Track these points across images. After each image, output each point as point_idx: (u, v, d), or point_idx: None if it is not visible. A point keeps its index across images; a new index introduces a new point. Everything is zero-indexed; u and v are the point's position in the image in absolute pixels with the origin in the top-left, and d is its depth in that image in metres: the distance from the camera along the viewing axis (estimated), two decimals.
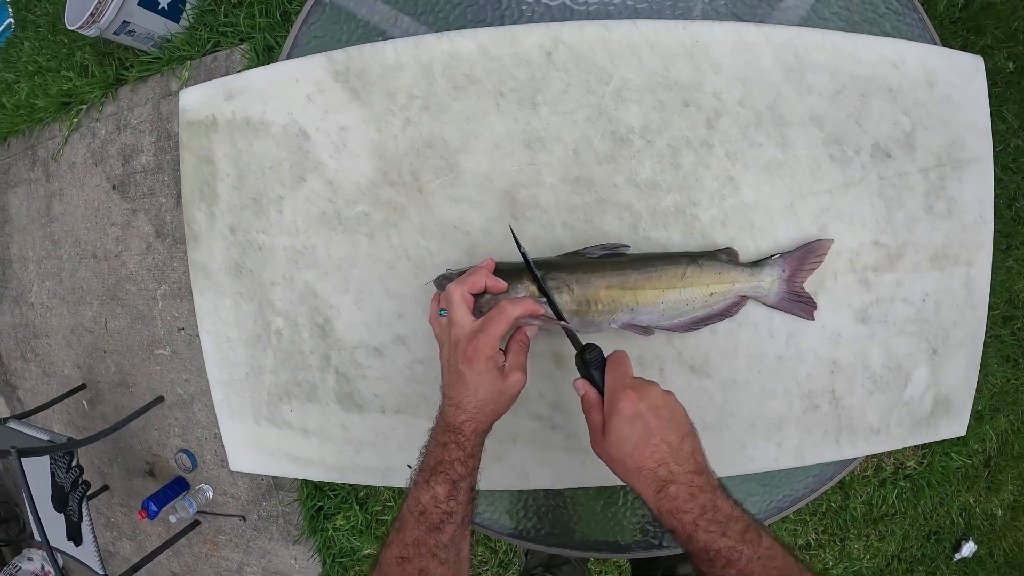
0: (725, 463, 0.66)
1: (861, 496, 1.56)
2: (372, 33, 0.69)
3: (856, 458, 0.70)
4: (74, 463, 1.33)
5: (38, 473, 1.29)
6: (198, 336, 0.72)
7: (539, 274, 0.54)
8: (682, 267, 0.57)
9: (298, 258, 0.67)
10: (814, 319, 0.63)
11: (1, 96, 2.00)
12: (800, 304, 0.62)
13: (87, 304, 1.83)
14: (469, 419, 0.49)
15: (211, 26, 1.54)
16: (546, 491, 0.70)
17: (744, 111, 0.62)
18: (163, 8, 1.52)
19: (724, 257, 0.60)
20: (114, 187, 1.73)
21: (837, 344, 0.65)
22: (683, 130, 0.61)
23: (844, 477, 1.52)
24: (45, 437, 1.34)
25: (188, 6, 1.57)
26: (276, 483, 1.60)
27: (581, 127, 0.61)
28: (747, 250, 0.62)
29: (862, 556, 1.59)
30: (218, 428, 0.73)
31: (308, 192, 0.66)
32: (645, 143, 0.61)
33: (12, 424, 1.40)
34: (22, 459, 1.20)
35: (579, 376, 0.52)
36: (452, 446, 0.49)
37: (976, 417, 1.59)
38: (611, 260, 0.58)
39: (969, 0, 1.53)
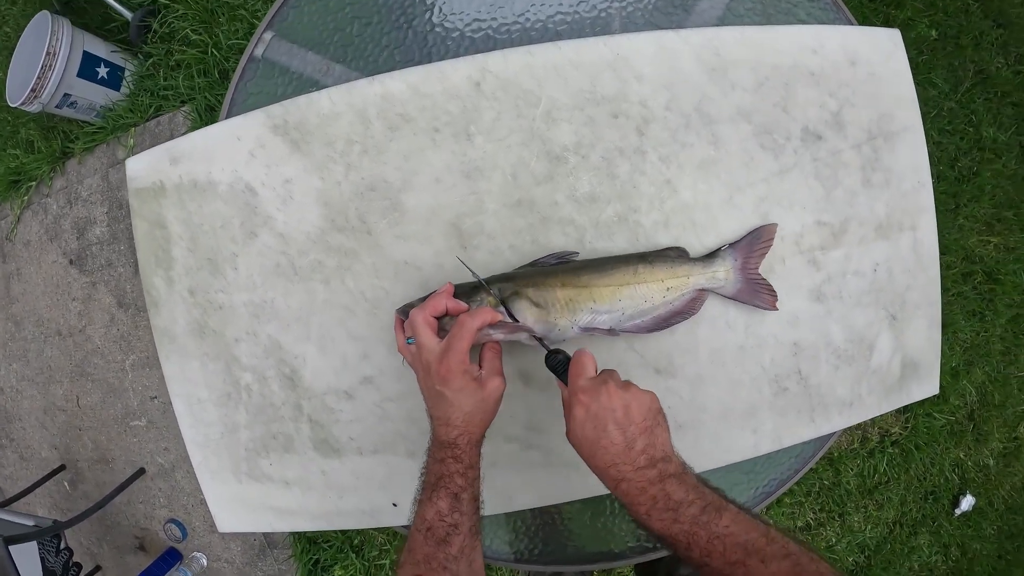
0: (704, 458, 0.67)
1: (852, 470, 1.59)
2: (306, 84, 0.70)
3: (834, 432, 0.71)
4: (63, 546, 1.29)
5: (27, 561, 1.24)
6: (172, 402, 0.72)
7: (482, 278, 0.56)
8: (632, 264, 0.59)
9: (259, 312, 0.67)
10: (777, 309, 0.63)
11: None
12: (760, 293, 0.63)
13: (57, 383, 1.79)
14: (461, 433, 0.50)
15: (151, 91, 1.55)
16: (533, 511, 0.70)
17: (672, 115, 0.64)
18: (102, 77, 1.51)
19: (673, 253, 0.62)
20: (71, 261, 1.71)
21: (796, 326, 0.66)
22: (615, 141, 0.63)
23: (832, 454, 1.56)
24: (30, 522, 1.29)
25: (127, 73, 1.57)
26: (269, 541, 1.57)
27: (516, 151, 0.63)
28: (693, 248, 0.64)
29: (863, 527, 1.61)
30: (203, 493, 0.72)
31: (260, 246, 0.66)
32: (580, 159, 0.63)
33: None
34: (9, 547, 1.16)
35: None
36: (450, 460, 0.50)
37: (952, 374, 1.63)
38: (565, 264, 0.60)
39: None
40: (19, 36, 1.49)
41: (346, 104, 0.63)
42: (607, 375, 0.50)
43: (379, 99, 0.63)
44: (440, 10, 0.69)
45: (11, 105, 1.46)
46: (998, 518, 1.73)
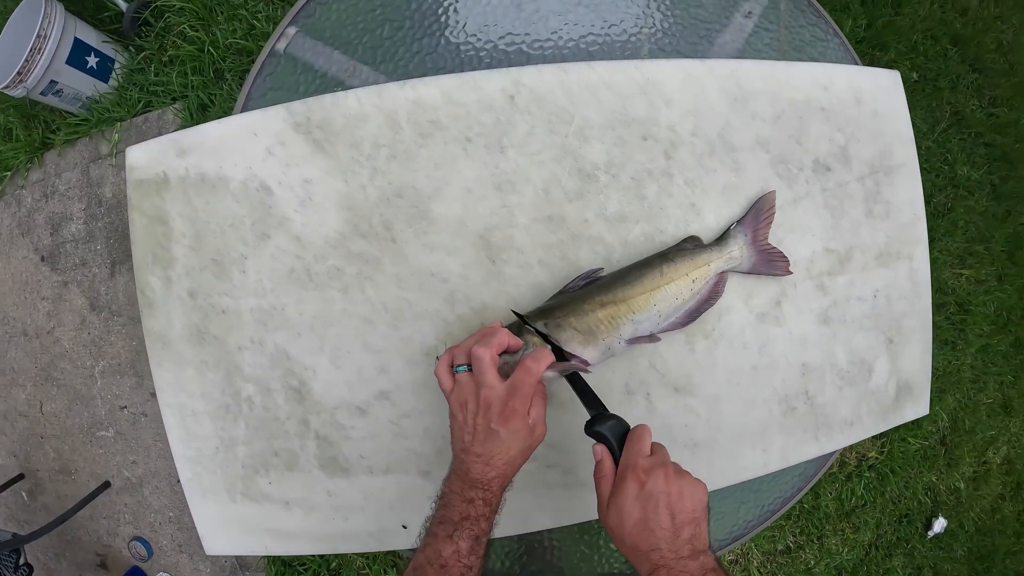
0: (718, 476, 0.68)
1: (831, 493, 1.63)
2: (330, 84, 0.68)
3: (835, 451, 0.73)
4: (22, 561, 1.20)
5: None
6: (144, 415, 0.67)
7: (524, 316, 0.55)
8: (657, 266, 0.60)
9: (267, 320, 0.64)
10: (791, 272, 0.66)
11: None
12: (774, 262, 0.65)
13: (19, 387, 1.68)
14: (498, 475, 0.50)
15: (141, 86, 1.49)
16: (520, 536, 0.68)
17: (698, 140, 0.65)
18: (91, 67, 1.46)
19: (690, 245, 0.63)
20: (43, 259, 1.62)
21: (805, 347, 0.69)
22: (644, 163, 0.64)
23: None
24: None
25: (117, 65, 1.51)
26: (241, 563, 1.49)
27: (548, 167, 0.62)
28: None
29: (841, 550, 1.64)
30: (173, 511, 0.68)
31: (274, 249, 0.63)
32: (611, 178, 0.63)
33: None
34: None
35: (594, 440, 0.52)
36: (479, 502, 0.49)
37: None
38: (594, 285, 0.59)
39: (872, 20, 1.69)
40: (8, 16, 1.42)
41: (375, 106, 0.62)
42: (665, 456, 0.49)
43: (411, 104, 0.61)
44: (475, 21, 0.68)
45: None
46: (968, 540, 1.79)
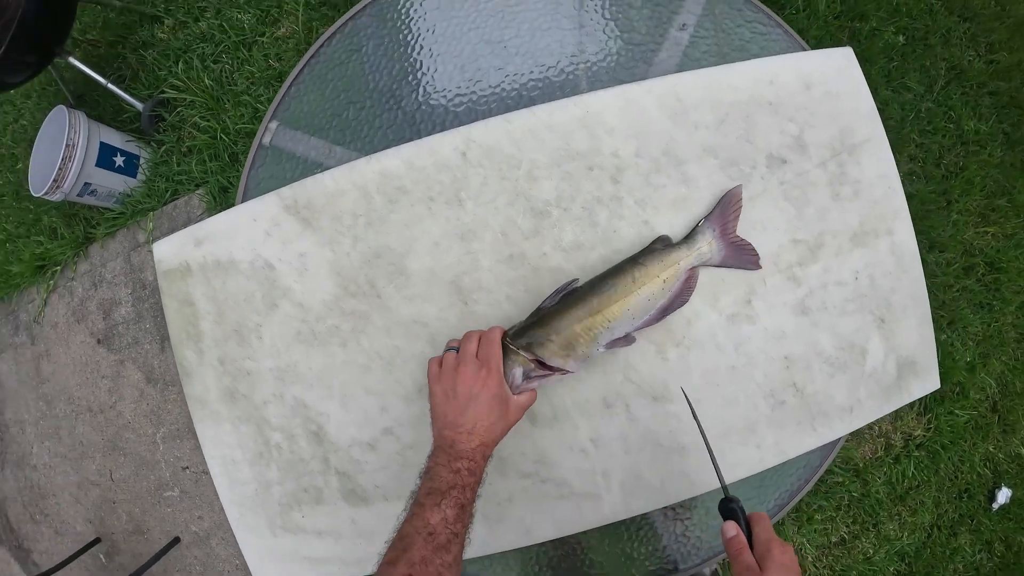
0: (712, 476, 0.66)
1: (880, 478, 1.56)
2: (311, 166, 0.78)
3: (838, 439, 0.72)
4: None
5: None
6: (204, 472, 0.77)
7: (509, 339, 0.61)
8: (629, 273, 0.62)
9: (284, 376, 0.73)
10: (761, 267, 0.67)
11: None
12: (744, 254, 0.67)
13: (89, 458, 1.84)
14: (480, 443, 0.55)
15: (167, 176, 1.64)
16: (553, 543, 0.73)
17: (642, 161, 0.69)
18: (119, 166, 1.62)
19: (660, 245, 0.65)
20: (99, 341, 1.78)
21: (783, 341, 0.69)
22: (592, 191, 0.69)
23: (857, 464, 1.55)
24: None
25: (142, 160, 1.68)
26: None
27: (504, 211, 0.69)
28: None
29: (900, 535, 1.58)
30: (239, 559, 0.76)
31: (282, 316, 0.73)
32: (562, 211, 0.69)
33: None
34: None
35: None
36: (465, 472, 0.53)
37: (968, 369, 1.60)
38: (570, 298, 0.63)
39: None
40: (36, 129, 1.60)
41: (349, 182, 0.71)
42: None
43: (377, 175, 0.70)
44: (424, 90, 0.77)
45: (35, 195, 1.56)
46: None
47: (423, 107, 0.77)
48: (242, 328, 0.74)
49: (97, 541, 1.80)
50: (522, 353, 0.60)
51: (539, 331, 0.61)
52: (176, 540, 1.67)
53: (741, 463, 0.70)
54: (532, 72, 0.76)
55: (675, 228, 0.69)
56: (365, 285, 0.71)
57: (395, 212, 0.70)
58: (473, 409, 0.55)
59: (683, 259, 0.64)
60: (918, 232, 0.73)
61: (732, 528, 0.54)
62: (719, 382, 0.69)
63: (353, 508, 0.72)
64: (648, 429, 0.69)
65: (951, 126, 1.68)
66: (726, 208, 0.67)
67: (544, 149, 0.69)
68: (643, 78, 0.74)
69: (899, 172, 0.73)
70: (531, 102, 0.75)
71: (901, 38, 1.67)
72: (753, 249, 0.67)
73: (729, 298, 0.69)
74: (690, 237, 0.66)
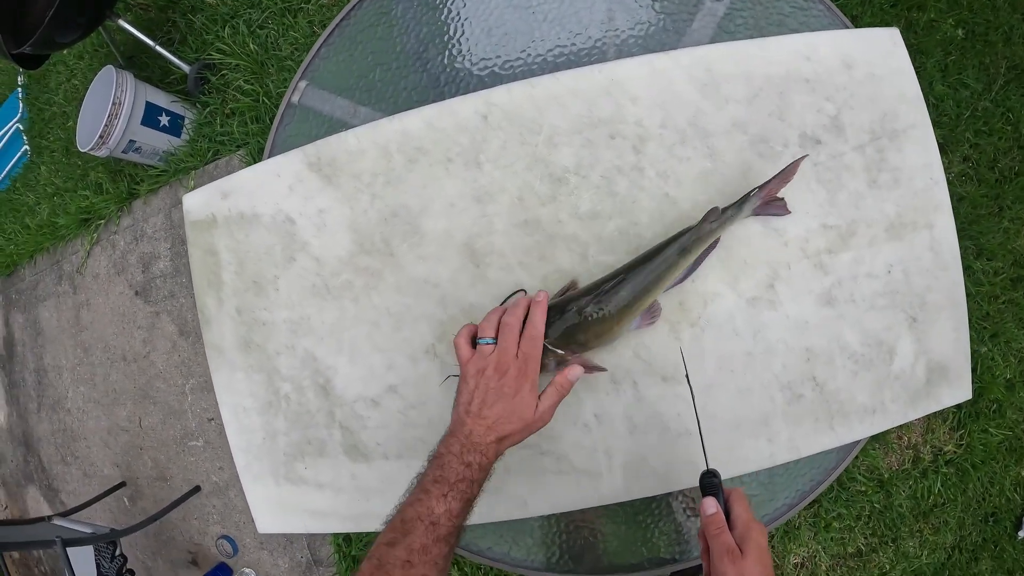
0: (718, 467, 0.63)
1: (904, 491, 1.50)
2: (337, 125, 0.79)
3: (858, 442, 0.69)
4: (117, 552, 1.39)
5: (84, 565, 1.34)
6: (219, 411, 0.79)
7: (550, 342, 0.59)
8: (673, 260, 0.61)
9: (296, 328, 0.75)
10: (790, 212, 0.65)
11: (24, 217, 2.19)
12: (773, 207, 0.64)
13: (121, 405, 1.94)
14: (496, 439, 0.54)
15: (209, 137, 1.70)
16: (567, 522, 0.73)
17: (667, 132, 0.66)
18: (164, 125, 1.68)
19: (709, 226, 0.61)
20: (137, 293, 1.87)
21: (806, 331, 0.66)
22: (613, 160, 0.67)
23: (883, 475, 1.50)
24: (88, 530, 1.41)
25: (187, 121, 1.74)
26: (315, 559, 1.63)
27: (522, 175, 0.68)
28: None
29: (919, 553, 1.51)
30: (245, 495, 0.79)
31: (299, 269, 0.74)
32: (580, 179, 0.68)
33: (56, 520, 1.47)
34: (67, 548, 1.27)
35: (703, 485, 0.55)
36: (475, 467, 0.52)
37: (1007, 386, 1.53)
38: (613, 295, 0.60)
39: None
40: (87, 88, 1.67)
41: (370, 141, 0.71)
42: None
43: (399, 135, 0.70)
44: (450, 53, 0.76)
45: (81, 150, 1.63)
46: None
47: (448, 70, 0.76)
48: (260, 279, 0.76)
49: (122, 485, 1.90)
50: (559, 351, 0.59)
51: (582, 338, 0.60)
52: (196, 488, 1.74)
53: (750, 457, 0.67)
54: (559, 39, 0.75)
55: (696, 204, 0.66)
56: (380, 243, 0.71)
57: (413, 172, 0.70)
58: (501, 405, 0.54)
59: (728, 229, 0.63)
60: (966, 237, 0.68)
61: (712, 505, 0.52)
62: (734, 368, 0.66)
63: (354, 463, 0.73)
64: (655, 411, 0.67)
65: (1008, 128, 1.59)
66: (782, 179, 0.63)
67: (566, 115, 0.68)
68: (674, 49, 0.71)
69: (951, 173, 0.68)
70: (556, 69, 0.74)
71: (960, 32, 1.58)
72: (782, 200, 0.65)
73: (750, 281, 0.66)
74: (737, 205, 0.63)
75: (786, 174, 0.62)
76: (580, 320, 0.60)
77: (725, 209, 0.62)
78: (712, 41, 0.72)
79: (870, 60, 0.67)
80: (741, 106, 0.66)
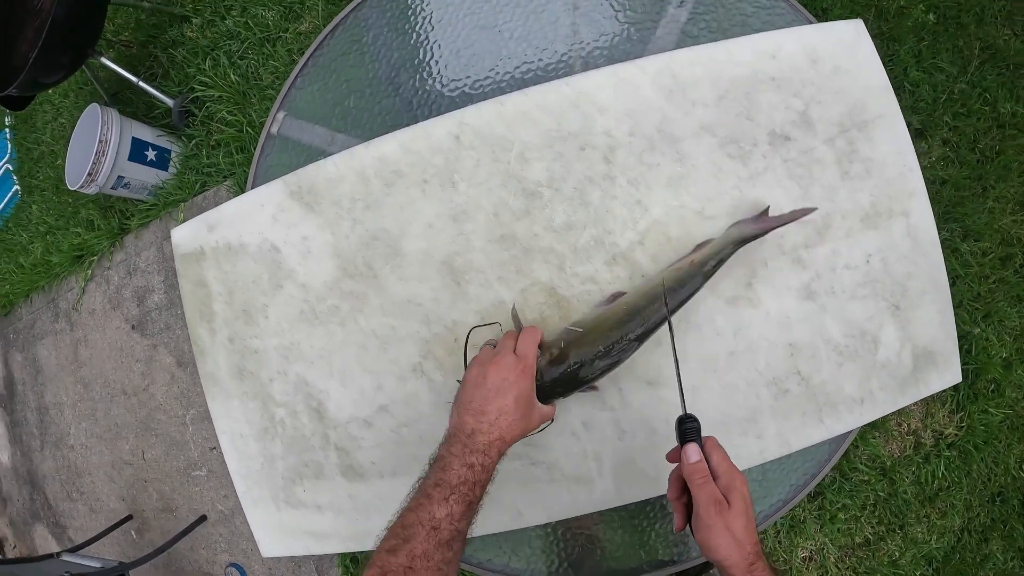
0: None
1: (908, 478, 1.49)
2: (315, 153, 0.81)
3: (848, 432, 0.70)
4: None
5: None
6: (218, 440, 0.81)
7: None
8: (699, 285, 0.62)
9: (287, 354, 0.76)
10: (816, 207, 0.64)
11: (18, 256, 2.20)
12: (780, 219, 0.64)
13: (123, 439, 1.94)
14: (498, 438, 0.53)
15: (196, 169, 1.71)
16: (564, 529, 0.73)
17: (636, 139, 0.67)
18: (151, 160, 1.70)
19: (733, 241, 0.62)
20: (133, 327, 1.87)
21: (787, 327, 0.66)
22: (584, 171, 0.68)
23: (885, 463, 1.50)
24: (97, 564, 1.41)
25: (173, 154, 1.75)
26: None
27: (496, 192, 0.70)
28: (668, 259, 0.67)
29: (928, 538, 1.50)
30: (247, 520, 0.80)
31: (286, 296, 0.75)
32: (553, 192, 0.69)
33: (65, 556, 1.46)
34: None
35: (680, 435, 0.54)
36: (478, 468, 0.51)
37: (1004, 366, 1.52)
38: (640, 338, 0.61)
39: None
40: (74, 126, 1.69)
41: (348, 167, 0.73)
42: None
43: (375, 160, 0.72)
44: (421, 76, 0.78)
45: (71, 188, 1.65)
46: None
47: (420, 93, 0.78)
48: (250, 308, 0.77)
49: (129, 518, 1.90)
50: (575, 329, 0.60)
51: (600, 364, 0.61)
52: (203, 518, 1.74)
53: (740, 454, 0.67)
54: (526, 55, 0.76)
55: (669, 208, 0.67)
56: (363, 266, 0.73)
57: (391, 195, 0.72)
58: (501, 400, 0.54)
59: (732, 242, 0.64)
60: (951, 220, 0.68)
61: (695, 452, 0.51)
62: (717, 368, 0.67)
63: (351, 483, 0.74)
64: (641, 415, 0.68)
65: (987, 108, 1.59)
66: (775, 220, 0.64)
67: (536, 130, 0.69)
68: (639, 58, 0.71)
69: (932, 157, 0.68)
70: (525, 86, 0.74)
71: (932, 17, 1.59)
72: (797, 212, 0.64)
73: (728, 281, 0.67)
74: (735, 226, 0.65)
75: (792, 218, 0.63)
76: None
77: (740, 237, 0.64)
78: (677, 47, 0.73)
79: (835, 53, 0.68)
80: (709, 109, 0.67)
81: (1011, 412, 1.54)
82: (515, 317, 0.66)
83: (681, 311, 0.67)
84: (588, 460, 0.69)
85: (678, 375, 0.57)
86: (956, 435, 1.53)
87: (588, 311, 0.68)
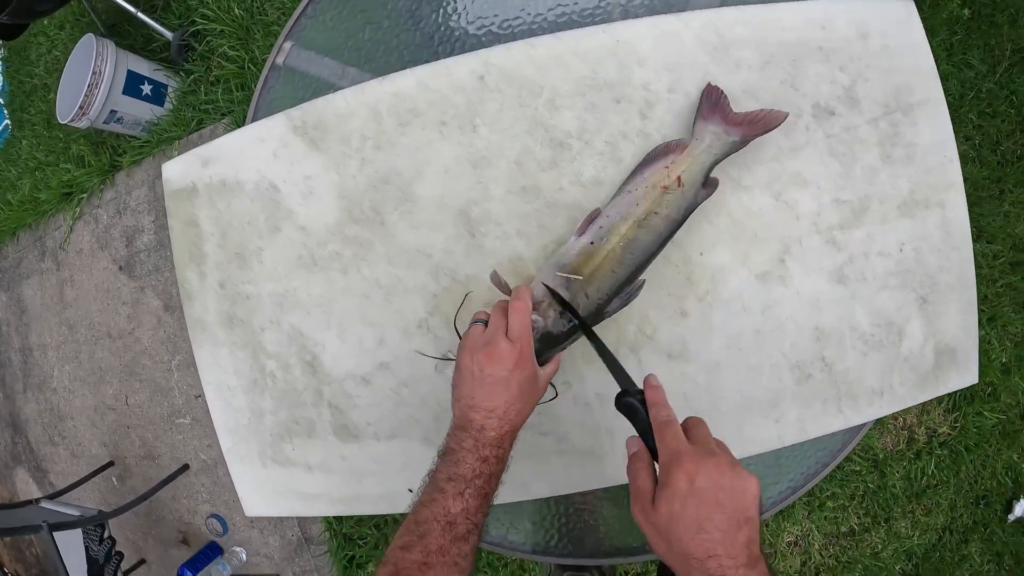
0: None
1: (898, 472, 1.51)
2: (323, 87, 0.74)
3: (864, 424, 0.68)
4: (106, 535, 1.37)
5: (72, 548, 1.33)
6: (203, 390, 0.76)
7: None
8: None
9: (282, 302, 0.71)
10: (788, 113, 0.61)
11: (6, 193, 2.13)
12: (760, 122, 0.60)
13: (107, 383, 1.90)
14: (510, 429, 0.51)
15: (194, 105, 1.64)
16: (558, 504, 0.71)
17: (676, 96, 0.63)
18: (147, 94, 1.62)
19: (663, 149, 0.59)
20: (121, 268, 1.82)
21: (817, 309, 0.64)
22: (618, 125, 0.64)
23: (878, 455, 1.50)
24: (76, 513, 1.39)
25: (170, 89, 1.67)
26: (306, 537, 1.62)
27: (521, 140, 0.64)
28: (700, 228, 0.63)
29: (911, 534, 1.54)
30: (232, 477, 0.76)
31: (284, 239, 0.70)
32: (584, 144, 0.64)
33: (44, 503, 1.45)
34: (54, 533, 1.24)
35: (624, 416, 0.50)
36: (493, 460, 0.50)
37: (1002, 370, 1.54)
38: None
39: None
40: (67, 58, 1.61)
41: (360, 103, 0.67)
42: (710, 440, 0.44)
43: (390, 96, 0.66)
44: (445, 11, 0.72)
45: (61, 122, 1.58)
46: None
47: (442, 29, 0.71)
48: (244, 251, 0.72)
49: (110, 464, 1.87)
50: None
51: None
52: (185, 467, 1.72)
53: (757, 438, 0.65)
54: None
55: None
56: (369, 211, 0.67)
57: (405, 135, 0.66)
58: (505, 393, 0.50)
59: (698, 158, 0.59)
60: None
61: (634, 445, 0.47)
62: (743, 347, 0.64)
63: (344, 444, 0.70)
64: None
65: (1012, 111, 1.58)
66: (712, 103, 0.60)
67: (568, 77, 0.64)
68: (683, 11, 0.67)
69: None
70: (558, 30, 0.69)
71: (967, 12, 1.56)
72: (765, 112, 0.60)
73: (761, 255, 0.64)
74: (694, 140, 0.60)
75: (712, 98, 0.60)
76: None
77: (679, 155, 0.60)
78: (721, 4, 0.69)
79: (885, 31, 0.64)
80: (753, 72, 0.63)
81: (1004, 418, 1.55)
82: (500, 284, 0.60)
83: (710, 282, 0.64)
84: (601, 434, 0.66)
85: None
86: (949, 434, 1.54)
87: (570, 243, 0.61)
